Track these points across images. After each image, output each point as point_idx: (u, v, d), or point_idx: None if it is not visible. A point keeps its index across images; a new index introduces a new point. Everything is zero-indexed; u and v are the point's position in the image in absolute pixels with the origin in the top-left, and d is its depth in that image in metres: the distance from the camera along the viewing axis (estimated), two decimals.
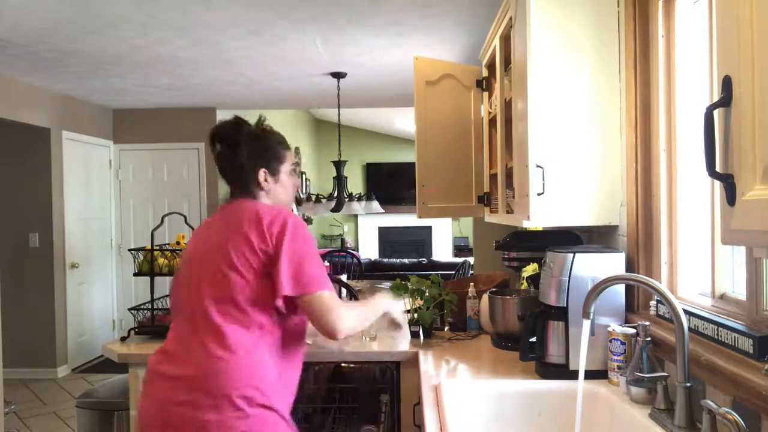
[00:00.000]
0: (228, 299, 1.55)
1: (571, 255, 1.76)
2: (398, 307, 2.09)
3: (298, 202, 9.65)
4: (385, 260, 7.73)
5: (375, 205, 5.94)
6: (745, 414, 1.16)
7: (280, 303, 1.56)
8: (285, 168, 1.77)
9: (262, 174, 1.70)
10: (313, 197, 5.88)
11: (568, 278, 1.76)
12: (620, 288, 1.77)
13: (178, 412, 1.51)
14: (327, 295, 1.57)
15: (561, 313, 1.79)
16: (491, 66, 2.77)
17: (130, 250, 3.00)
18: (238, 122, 1.74)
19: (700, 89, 1.56)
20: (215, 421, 1.48)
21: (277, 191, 1.74)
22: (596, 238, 2.16)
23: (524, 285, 2.91)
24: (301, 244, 1.57)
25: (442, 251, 10.83)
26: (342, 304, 1.61)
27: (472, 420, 1.71)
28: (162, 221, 2.83)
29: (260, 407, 1.52)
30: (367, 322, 1.80)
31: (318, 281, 1.57)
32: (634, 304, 1.83)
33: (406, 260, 7.56)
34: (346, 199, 5.49)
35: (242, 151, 1.69)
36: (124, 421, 2.51)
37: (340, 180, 5.37)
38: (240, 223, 1.60)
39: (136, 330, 2.63)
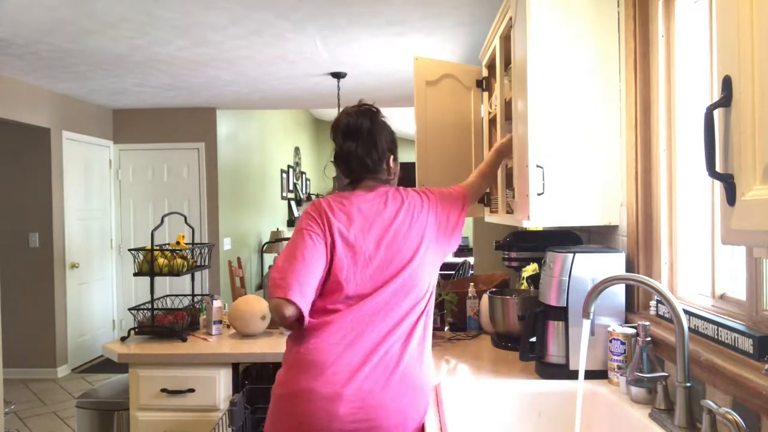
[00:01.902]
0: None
1: (571, 255, 1.76)
2: None
3: (298, 202, 9.67)
4: None
5: None
6: (745, 414, 1.16)
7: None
8: (398, 153, 1.84)
9: (392, 161, 1.76)
10: (313, 197, 5.88)
11: (568, 278, 1.76)
12: (620, 288, 1.77)
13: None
14: None
15: (561, 313, 1.79)
16: (491, 66, 2.77)
17: (130, 250, 3.00)
18: (370, 110, 1.73)
19: (700, 89, 1.56)
20: None
21: (395, 176, 1.81)
22: (596, 238, 2.16)
23: (524, 285, 2.91)
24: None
25: None
26: None
27: (472, 420, 1.71)
28: (162, 221, 2.84)
29: None
30: None
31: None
32: (634, 304, 1.83)
33: None
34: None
35: (380, 140, 1.71)
36: (124, 421, 2.50)
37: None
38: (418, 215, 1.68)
39: (136, 330, 2.63)
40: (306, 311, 1.52)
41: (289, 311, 1.49)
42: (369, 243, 1.61)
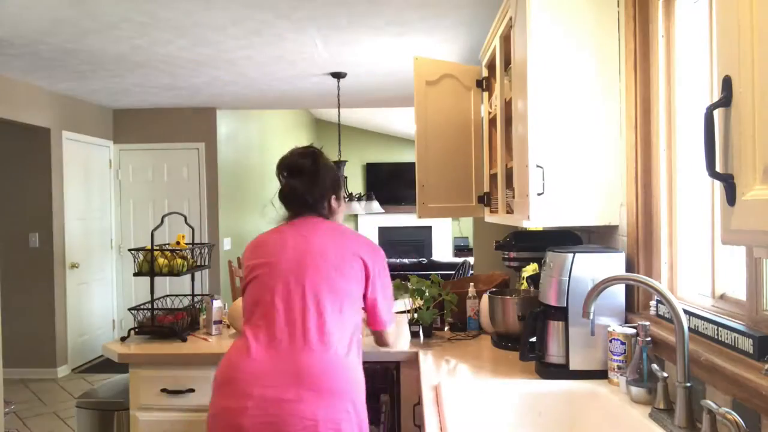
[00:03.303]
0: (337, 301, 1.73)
1: (571, 255, 1.76)
2: None
3: None
4: (386, 260, 7.71)
5: (375, 205, 5.94)
6: (745, 414, 1.16)
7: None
8: (342, 193, 1.97)
9: (333, 200, 1.89)
10: None
11: (568, 278, 1.76)
12: (620, 288, 1.77)
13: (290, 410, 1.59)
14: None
15: (561, 313, 1.79)
16: (491, 66, 2.77)
17: (130, 250, 3.00)
18: (314, 152, 1.86)
19: (700, 89, 1.56)
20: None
21: (338, 213, 1.93)
22: (596, 238, 2.16)
23: (524, 285, 2.91)
24: (389, 281, 1.90)
25: (442, 251, 10.82)
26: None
27: (472, 420, 1.71)
28: (162, 221, 2.83)
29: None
30: None
31: (393, 319, 1.95)
32: (634, 304, 1.83)
33: (406, 260, 7.56)
34: (346, 199, 5.49)
35: (321, 180, 1.84)
36: (124, 421, 2.50)
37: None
38: (342, 240, 1.80)
39: (136, 330, 2.63)
40: None
41: None
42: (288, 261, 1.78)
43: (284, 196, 1.85)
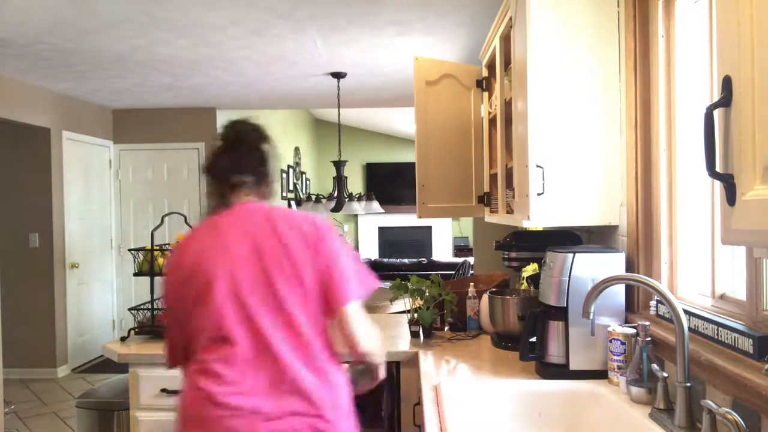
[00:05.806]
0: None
1: (571, 255, 1.76)
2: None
3: (298, 202, 9.65)
4: (385, 260, 7.74)
5: (375, 205, 5.94)
6: (745, 414, 1.16)
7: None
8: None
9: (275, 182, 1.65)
10: (313, 197, 5.89)
11: (568, 278, 1.76)
12: (620, 288, 1.77)
13: None
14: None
15: (561, 313, 1.79)
16: (491, 66, 2.77)
17: (130, 250, 3.00)
18: (259, 128, 1.65)
19: (700, 89, 1.56)
20: None
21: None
22: (596, 238, 2.16)
23: (524, 285, 2.91)
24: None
25: (442, 251, 10.83)
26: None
27: (472, 420, 1.71)
28: (162, 221, 2.83)
29: None
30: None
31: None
32: (634, 304, 1.83)
33: (406, 260, 7.57)
34: (346, 199, 5.50)
35: (269, 156, 1.61)
36: (124, 421, 2.50)
37: (340, 180, 5.38)
38: (298, 231, 1.46)
39: (136, 330, 2.63)
40: None
41: None
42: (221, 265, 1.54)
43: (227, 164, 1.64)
